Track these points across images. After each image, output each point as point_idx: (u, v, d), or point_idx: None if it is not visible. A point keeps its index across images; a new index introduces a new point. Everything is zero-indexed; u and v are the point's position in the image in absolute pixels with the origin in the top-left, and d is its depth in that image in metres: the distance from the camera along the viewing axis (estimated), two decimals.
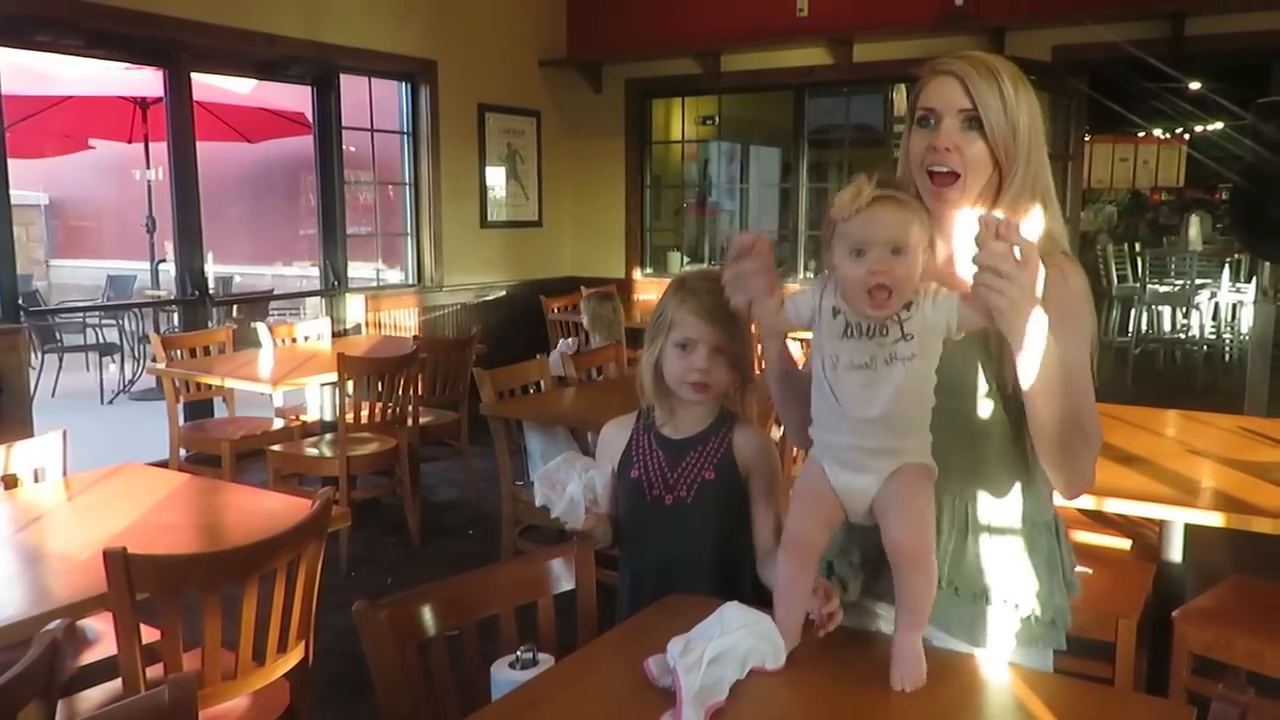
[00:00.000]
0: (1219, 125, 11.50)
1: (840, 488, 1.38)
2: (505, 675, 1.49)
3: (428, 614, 1.60)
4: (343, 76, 5.98)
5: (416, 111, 6.44)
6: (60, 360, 8.22)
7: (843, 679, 1.41)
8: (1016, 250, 1.24)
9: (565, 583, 1.76)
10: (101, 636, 2.27)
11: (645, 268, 7.51)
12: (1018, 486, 1.51)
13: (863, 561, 1.55)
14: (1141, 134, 14.00)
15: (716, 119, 8.27)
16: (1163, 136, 14.20)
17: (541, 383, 4.02)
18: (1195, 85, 9.08)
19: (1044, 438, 1.40)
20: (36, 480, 2.65)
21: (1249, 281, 8.21)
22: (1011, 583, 1.50)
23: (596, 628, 1.74)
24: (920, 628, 1.38)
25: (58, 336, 8.38)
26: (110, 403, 7.82)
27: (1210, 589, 2.56)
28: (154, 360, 4.74)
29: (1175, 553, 2.61)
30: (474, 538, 4.59)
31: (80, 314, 8.92)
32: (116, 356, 8.35)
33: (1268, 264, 5.69)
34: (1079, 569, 1.59)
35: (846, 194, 1.31)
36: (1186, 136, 13.94)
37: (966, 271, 1.51)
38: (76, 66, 7.07)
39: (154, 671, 1.88)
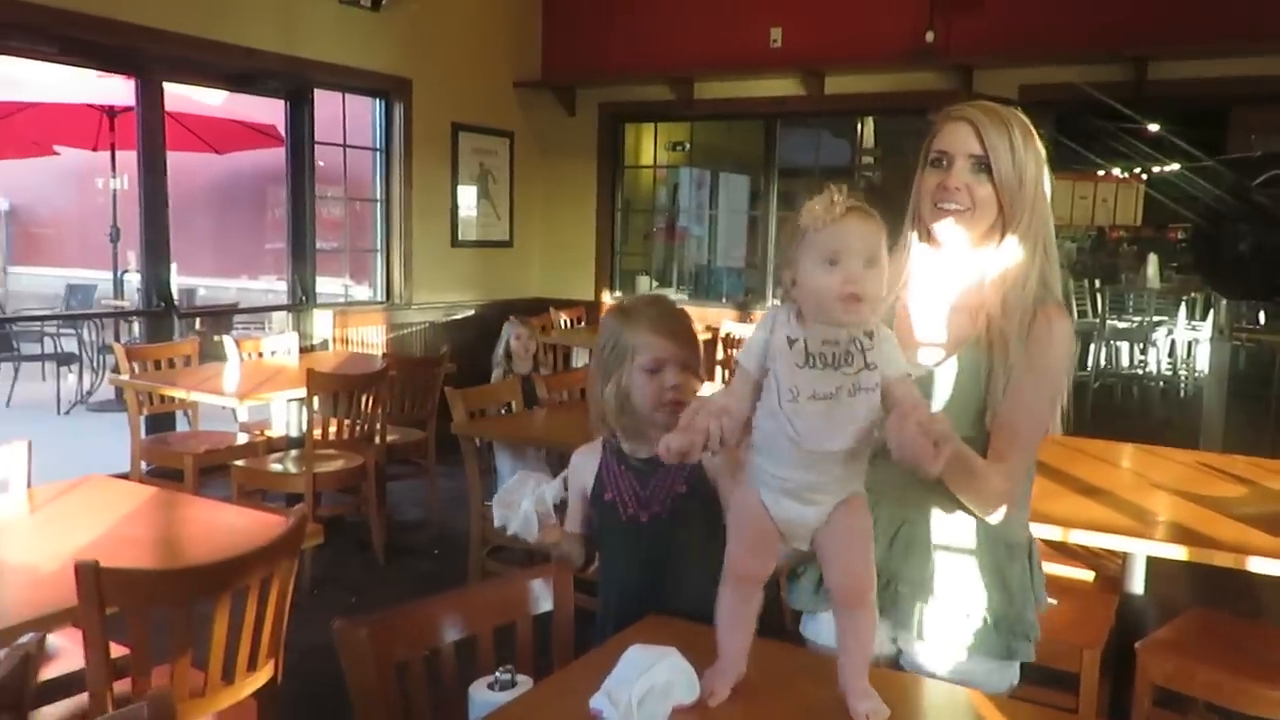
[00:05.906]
0: (1175, 166, 11.76)
1: (781, 519, 1.36)
2: (484, 696, 1.49)
3: (408, 633, 1.59)
4: (317, 91, 5.96)
5: (390, 128, 6.44)
6: (16, 369, 8.07)
7: (809, 709, 1.41)
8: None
9: (544, 603, 1.76)
10: (61, 652, 2.22)
11: (614, 290, 7.53)
12: None
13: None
14: (1101, 173, 14.28)
15: (688, 145, 8.36)
16: (1122, 176, 14.49)
17: (513, 404, 4.03)
18: (1155, 127, 9.29)
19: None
20: None
21: (1204, 319, 8.39)
22: (989, 598, 1.57)
23: (574, 649, 1.74)
24: (867, 664, 1.38)
25: (14, 345, 8.23)
26: (67, 413, 7.68)
27: (1171, 621, 2.61)
28: (115, 371, 4.67)
29: (1137, 585, 2.66)
30: (439, 557, 4.55)
31: (38, 323, 8.77)
32: (74, 367, 8.20)
33: (1224, 303, 5.83)
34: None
35: (819, 203, 1.29)
36: (1145, 176, 14.24)
37: (921, 314, 1.63)
38: (45, 73, 7.00)
39: (119, 688, 1.85)
